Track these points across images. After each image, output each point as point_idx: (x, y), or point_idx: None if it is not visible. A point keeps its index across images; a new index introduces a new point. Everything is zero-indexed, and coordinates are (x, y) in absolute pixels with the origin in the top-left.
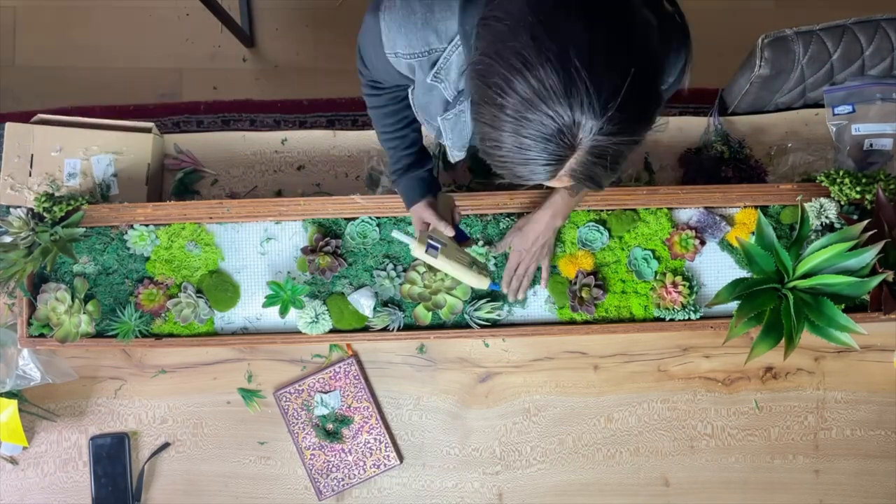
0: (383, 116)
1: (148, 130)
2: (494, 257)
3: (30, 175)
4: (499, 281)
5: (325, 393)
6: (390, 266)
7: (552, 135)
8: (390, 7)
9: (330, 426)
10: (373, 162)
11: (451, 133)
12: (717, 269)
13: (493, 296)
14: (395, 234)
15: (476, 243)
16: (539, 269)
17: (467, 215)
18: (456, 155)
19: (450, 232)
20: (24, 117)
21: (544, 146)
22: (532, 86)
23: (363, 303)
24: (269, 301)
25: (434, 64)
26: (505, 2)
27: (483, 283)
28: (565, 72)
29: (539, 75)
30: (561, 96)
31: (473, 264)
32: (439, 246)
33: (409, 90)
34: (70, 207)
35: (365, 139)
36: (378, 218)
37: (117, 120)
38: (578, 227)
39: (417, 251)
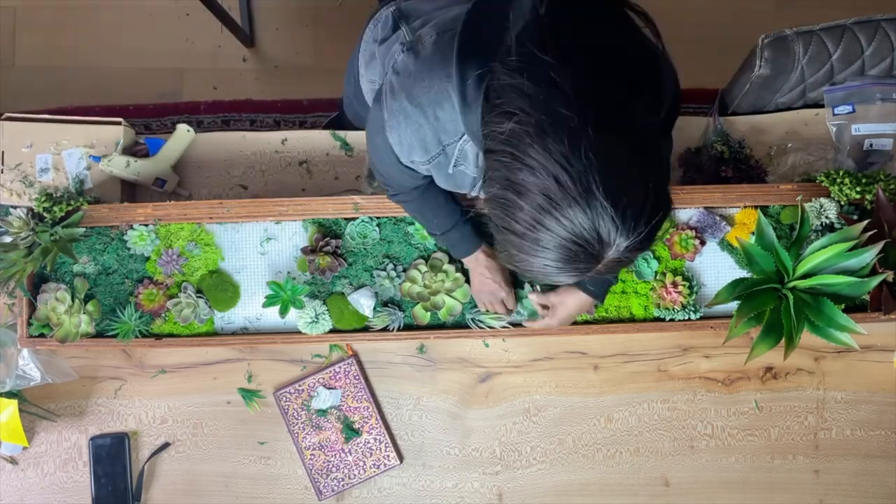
0: (422, 209)
1: (118, 123)
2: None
3: (1, 172)
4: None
5: (329, 389)
6: (390, 266)
7: (580, 259)
8: (395, 127)
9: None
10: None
11: (479, 191)
12: (717, 269)
13: None
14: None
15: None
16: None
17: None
18: None
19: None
20: None
21: (574, 266)
22: (562, 223)
23: (363, 303)
24: (269, 301)
25: (451, 154)
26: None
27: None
28: (592, 209)
29: (567, 214)
30: (590, 230)
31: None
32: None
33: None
34: (70, 207)
35: (364, 139)
36: (378, 218)
37: (86, 116)
38: None
39: (532, 295)
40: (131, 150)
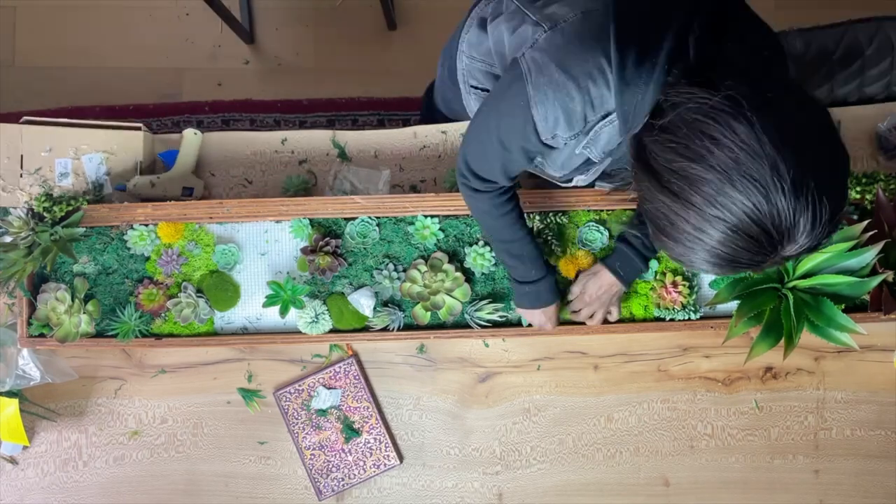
0: (512, 221)
1: (138, 128)
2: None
3: (21, 176)
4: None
5: (328, 388)
6: (390, 266)
7: (756, 245)
8: (543, 101)
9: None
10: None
11: (584, 175)
12: None
13: (495, 296)
14: None
15: None
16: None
17: (468, 215)
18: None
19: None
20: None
21: (750, 257)
22: (749, 199)
23: (363, 303)
24: (270, 301)
25: (588, 134)
26: (707, 109)
27: None
28: (796, 198)
29: (772, 200)
30: (781, 213)
31: None
32: None
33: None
34: (70, 207)
35: (365, 139)
36: (378, 218)
37: (107, 120)
38: (578, 227)
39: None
40: (150, 167)
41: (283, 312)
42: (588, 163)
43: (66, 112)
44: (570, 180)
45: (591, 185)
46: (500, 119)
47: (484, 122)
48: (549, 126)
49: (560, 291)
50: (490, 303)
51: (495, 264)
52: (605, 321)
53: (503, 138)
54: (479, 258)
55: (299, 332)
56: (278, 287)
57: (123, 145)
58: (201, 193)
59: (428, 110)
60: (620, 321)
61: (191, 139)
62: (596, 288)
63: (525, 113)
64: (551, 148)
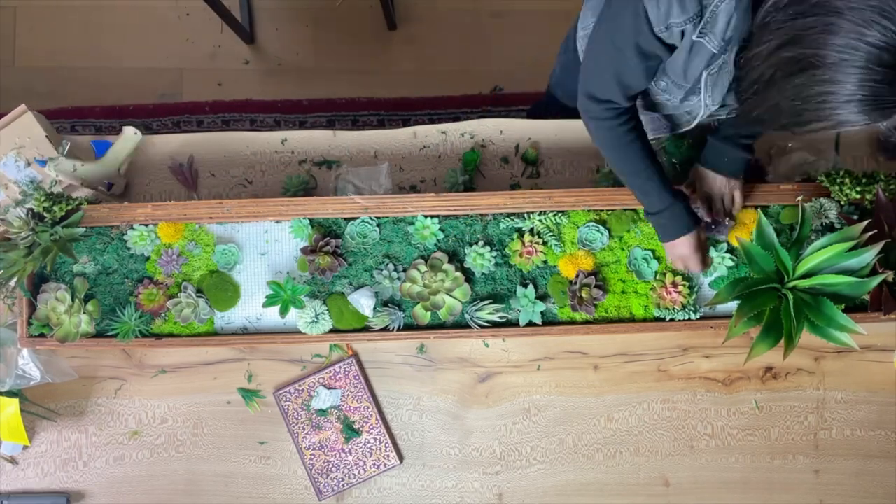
0: (636, 151)
1: (23, 112)
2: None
3: None
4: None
5: (328, 388)
6: (390, 266)
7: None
8: None
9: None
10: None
11: (711, 90)
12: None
13: (495, 296)
14: None
15: None
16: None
17: (468, 214)
18: (703, 118)
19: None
20: None
21: (891, 90)
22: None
23: (363, 303)
24: (270, 301)
25: (706, 17)
26: None
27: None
28: None
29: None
30: None
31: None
32: None
33: (657, 74)
34: (70, 207)
35: (364, 139)
36: (378, 218)
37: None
38: (578, 227)
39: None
40: (74, 153)
41: (284, 312)
42: (711, 64)
43: (66, 112)
44: (692, 112)
45: (718, 111)
46: (612, 21)
47: (596, 35)
48: (661, 13)
49: (698, 219)
50: (490, 303)
51: (495, 264)
52: (729, 217)
53: (615, 38)
54: (479, 258)
55: (299, 332)
56: (278, 287)
57: (25, 134)
58: (120, 192)
59: (546, 110)
60: (620, 321)
61: (129, 136)
62: (708, 192)
63: (636, 4)
64: (667, 47)
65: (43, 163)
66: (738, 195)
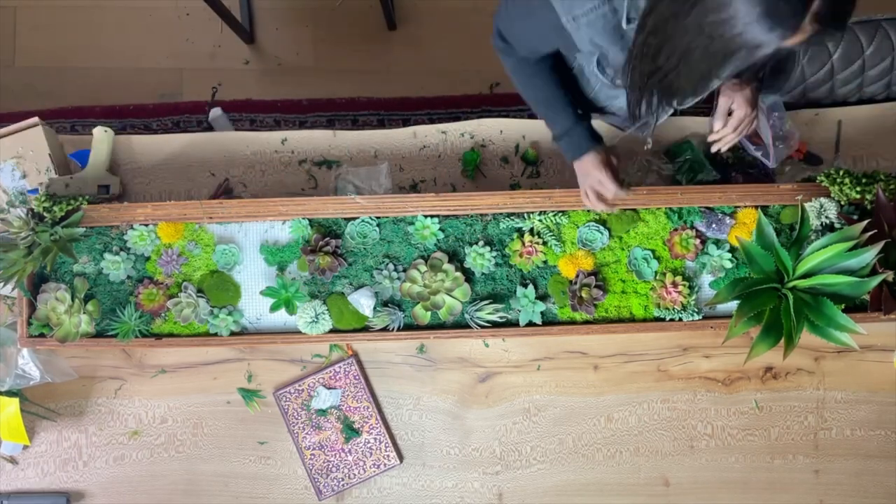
0: (537, 75)
1: (35, 124)
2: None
3: None
4: None
5: (328, 388)
6: (390, 266)
7: (785, 7)
8: None
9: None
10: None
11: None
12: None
13: (495, 296)
14: None
15: None
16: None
17: (468, 214)
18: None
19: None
20: (24, 117)
21: (777, 12)
22: None
23: (363, 303)
24: (275, 305)
25: (619, 7)
26: None
27: None
28: None
29: None
30: None
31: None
32: None
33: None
34: (70, 207)
35: (364, 139)
36: (378, 218)
37: (45, 123)
38: (578, 227)
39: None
40: (64, 165)
41: (291, 310)
42: (614, 38)
43: (66, 112)
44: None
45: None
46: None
47: None
48: (565, 4)
49: (601, 137)
50: (490, 303)
51: (496, 264)
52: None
53: (524, 12)
54: (479, 258)
55: (299, 332)
56: (273, 291)
57: (29, 146)
58: (118, 190)
59: None
60: (620, 321)
61: (101, 137)
62: (754, 97)
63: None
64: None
65: (34, 191)
66: (744, 105)
